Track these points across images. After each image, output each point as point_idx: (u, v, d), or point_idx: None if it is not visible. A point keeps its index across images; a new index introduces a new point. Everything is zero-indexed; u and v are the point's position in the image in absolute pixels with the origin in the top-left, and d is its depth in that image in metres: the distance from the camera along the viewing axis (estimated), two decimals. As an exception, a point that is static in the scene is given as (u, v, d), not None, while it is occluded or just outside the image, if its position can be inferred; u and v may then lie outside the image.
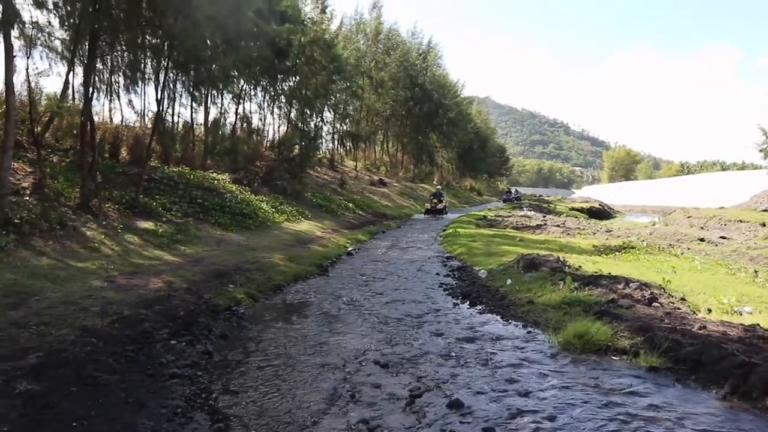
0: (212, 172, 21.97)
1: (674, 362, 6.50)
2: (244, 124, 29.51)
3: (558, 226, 27.88)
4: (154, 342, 6.99)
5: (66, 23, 14.63)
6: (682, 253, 17.96)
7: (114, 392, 5.49)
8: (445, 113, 58.25)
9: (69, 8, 14.34)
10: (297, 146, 29.41)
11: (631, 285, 10.41)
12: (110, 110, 21.74)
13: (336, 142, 45.92)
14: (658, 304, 9.17)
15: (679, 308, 9.13)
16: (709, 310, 9.35)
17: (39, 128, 14.98)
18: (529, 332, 8.19)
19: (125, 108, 21.61)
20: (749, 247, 18.37)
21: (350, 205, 29.32)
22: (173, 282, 9.89)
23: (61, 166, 15.05)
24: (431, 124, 57.32)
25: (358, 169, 44.57)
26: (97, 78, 16.90)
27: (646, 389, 5.90)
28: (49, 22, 14.23)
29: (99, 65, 16.84)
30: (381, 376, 6.29)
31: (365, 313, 9.41)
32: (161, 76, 18.87)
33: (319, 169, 36.08)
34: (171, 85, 21.66)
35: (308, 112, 32.90)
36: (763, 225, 23.15)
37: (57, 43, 14.90)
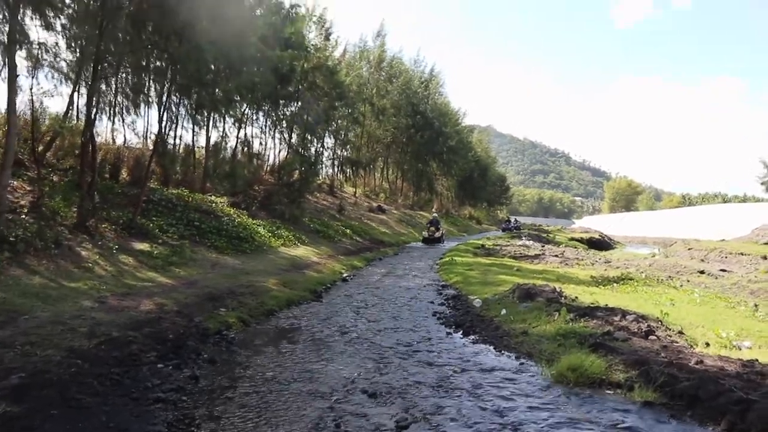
0: (211, 195, 21.95)
1: (670, 397, 6.37)
2: (245, 148, 29.59)
3: (556, 256, 27.76)
4: (141, 365, 6.89)
5: (73, 45, 14.79)
6: (681, 286, 17.84)
7: (96, 415, 5.38)
8: (445, 141, 58.48)
9: (76, 30, 14.50)
10: (297, 171, 29.45)
11: (627, 317, 10.30)
12: (113, 131, 21.82)
13: (336, 168, 46.12)
14: (654, 337, 9.05)
15: (676, 342, 9.00)
16: (707, 344, 9.22)
17: (41, 147, 15.03)
18: (522, 363, 8.07)
19: (127, 129, 21.74)
20: (750, 281, 18.24)
21: (348, 231, 29.24)
22: (165, 304, 9.79)
23: (61, 186, 15.02)
24: (432, 151, 57.51)
25: (357, 195, 44.60)
26: (100, 99, 17.00)
27: (641, 425, 5.77)
28: (57, 44, 14.34)
29: (103, 86, 16.96)
30: (368, 406, 6.17)
31: (357, 340, 9.30)
32: (164, 99, 18.97)
33: (318, 195, 36.08)
34: (173, 108, 21.74)
35: (309, 137, 33.04)
36: (765, 258, 23.01)
37: (63, 64, 14.99)
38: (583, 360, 7.31)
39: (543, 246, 35.68)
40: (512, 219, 70.98)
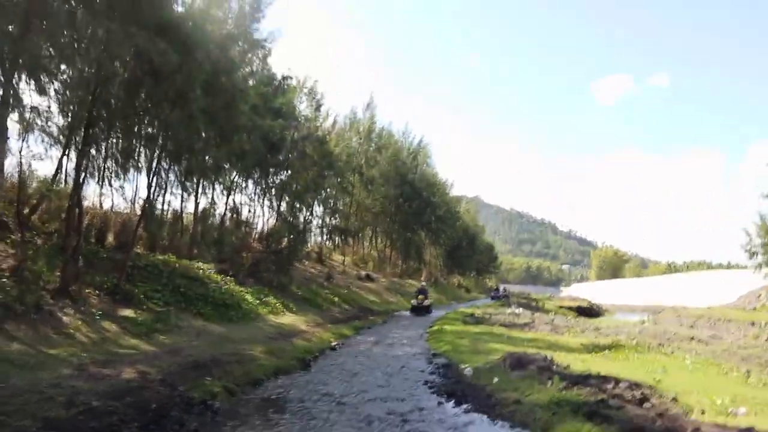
0: (198, 262, 21.75)
1: (668, 467, 6.18)
2: (234, 215, 29.60)
3: (546, 323, 27.52)
4: (121, 436, 6.62)
5: (65, 109, 14.94)
6: (672, 352, 17.64)
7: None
8: (433, 211, 58.96)
9: (69, 95, 14.69)
10: (285, 239, 29.42)
11: (621, 385, 10.12)
12: (101, 195, 21.73)
13: (325, 236, 46.16)
14: (649, 405, 8.87)
15: (671, 409, 8.82)
16: (703, 412, 9.03)
17: (27, 210, 14.91)
18: (517, 433, 7.85)
19: (116, 194, 21.70)
20: (740, 347, 18.11)
21: (336, 299, 28.97)
22: (148, 372, 9.51)
23: (45, 249, 14.82)
24: (420, 221, 57.86)
25: (345, 263, 44.47)
26: (90, 163, 17.02)
27: (640, 496, 5.56)
28: (49, 108, 14.49)
29: (93, 151, 17.01)
30: (359, 477, 5.93)
31: (347, 410, 9.04)
32: (154, 165, 19.04)
33: (306, 263, 35.91)
34: (163, 174, 21.79)
35: (298, 205, 33.18)
36: (753, 324, 22.96)
37: (54, 128, 15.09)
38: (579, 429, 7.14)
39: (533, 314, 35.45)
40: (501, 287, 70.82)
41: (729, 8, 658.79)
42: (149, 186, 18.44)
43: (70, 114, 14.90)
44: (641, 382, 10.67)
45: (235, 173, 27.56)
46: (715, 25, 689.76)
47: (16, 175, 14.73)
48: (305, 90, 34.86)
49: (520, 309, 39.58)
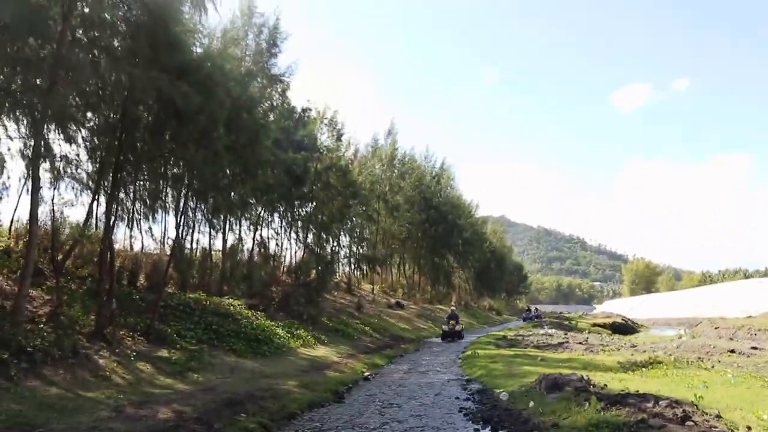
0: (228, 298, 21.93)
1: (715, 487, 6.01)
2: (261, 250, 29.82)
3: (580, 343, 27.12)
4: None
5: (93, 155, 15.37)
6: (712, 366, 17.22)
7: None
8: (460, 234, 58.73)
9: (97, 142, 15.12)
10: (313, 271, 29.51)
11: (661, 403, 9.90)
12: (131, 237, 22.13)
13: (352, 266, 46.08)
14: (692, 423, 8.65)
15: (715, 426, 8.59)
16: (749, 428, 8.78)
17: (60, 256, 15.25)
18: (556, 457, 7.71)
19: (145, 235, 22.09)
20: (784, 359, 17.61)
21: (367, 328, 28.86)
22: (183, 411, 9.57)
23: (79, 294, 15.12)
24: (447, 245, 57.63)
25: (375, 292, 44.36)
26: (119, 206, 17.41)
27: None
28: (78, 155, 14.93)
29: (121, 194, 17.41)
30: None
31: (382, 440, 8.97)
32: (181, 204, 19.38)
33: (335, 293, 35.93)
34: (190, 213, 22.16)
35: (325, 236, 33.33)
36: (795, 335, 22.34)
37: (83, 174, 15.53)
38: (620, 451, 6.97)
39: (566, 333, 34.97)
40: (532, 308, 70.02)
41: (746, 8, 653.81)
42: (177, 226, 18.76)
43: (98, 160, 15.33)
44: (682, 399, 10.42)
45: (260, 208, 27.85)
46: (734, 25, 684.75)
47: (49, 222, 15.14)
48: (325, 121, 35.17)
49: (553, 329, 39.09)
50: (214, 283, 23.56)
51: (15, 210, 16.14)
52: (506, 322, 60.05)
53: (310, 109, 30.69)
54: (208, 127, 15.52)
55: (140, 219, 20.59)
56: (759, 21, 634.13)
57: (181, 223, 19.45)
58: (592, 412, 9.41)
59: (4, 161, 13.15)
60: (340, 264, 42.62)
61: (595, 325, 48.94)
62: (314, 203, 31.34)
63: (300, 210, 31.45)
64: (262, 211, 28.82)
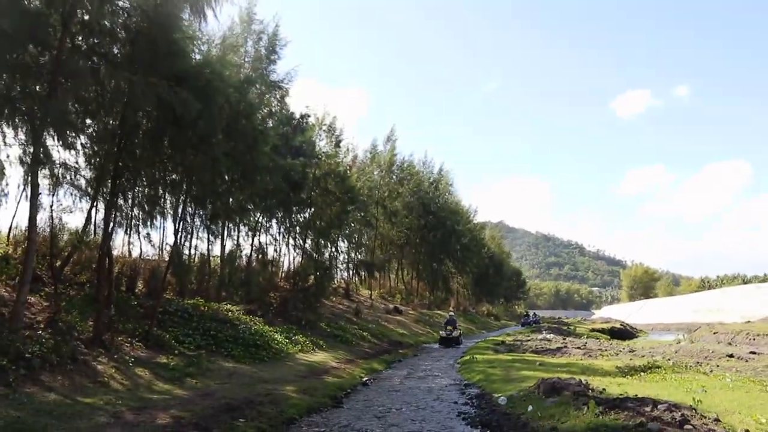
0: (227, 304, 21.90)
1: (713, 490, 6.03)
2: (259, 256, 29.78)
3: (579, 348, 27.14)
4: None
5: (91, 162, 15.38)
6: (711, 371, 17.26)
7: None
8: (458, 239, 58.75)
9: (96, 148, 15.15)
10: (312, 276, 29.48)
11: (659, 407, 9.91)
12: (129, 244, 22.06)
13: (351, 271, 46.07)
14: (690, 427, 8.67)
15: (713, 430, 8.62)
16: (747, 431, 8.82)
17: (59, 262, 15.25)
18: (555, 461, 7.72)
19: (143, 241, 22.07)
20: (781, 363, 17.64)
21: (365, 334, 28.85)
22: (182, 417, 9.57)
23: (77, 300, 15.11)
24: (445, 250, 57.63)
25: (373, 297, 44.33)
26: (117, 213, 17.41)
27: None
28: (77, 162, 14.95)
29: (120, 201, 17.41)
30: None
31: (381, 445, 8.97)
32: (179, 210, 19.39)
33: (333, 299, 35.90)
34: (188, 219, 22.15)
35: (323, 242, 33.32)
36: (794, 339, 22.39)
37: (82, 180, 15.55)
38: (618, 454, 6.99)
39: (564, 338, 34.99)
40: (531, 313, 69.99)
41: (743, 14, 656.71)
42: (176, 232, 18.80)
43: (96, 166, 15.34)
44: (681, 403, 10.44)
45: (259, 214, 27.83)
46: (731, 32, 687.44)
47: (48, 229, 15.14)
48: (324, 127, 35.17)
49: (552, 334, 39.10)
50: (213, 289, 23.54)
51: (14, 217, 16.13)
52: (505, 328, 60.04)
53: (309, 116, 30.68)
54: (206, 133, 15.54)
55: (139, 225, 20.57)
56: (757, 27, 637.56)
57: (180, 229, 19.47)
58: (590, 416, 9.43)
59: (3, 168, 13.17)
60: (338, 270, 42.58)
61: (593, 330, 48.98)
62: (312, 209, 31.32)
63: (298, 216, 31.39)
64: (261, 217, 28.81)
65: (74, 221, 19.38)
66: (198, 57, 16.80)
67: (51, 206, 14.97)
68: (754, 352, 21.18)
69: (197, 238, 24.43)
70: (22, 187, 14.55)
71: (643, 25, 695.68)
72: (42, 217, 14.95)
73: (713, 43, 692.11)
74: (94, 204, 16.44)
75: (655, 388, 13.32)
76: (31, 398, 9.32)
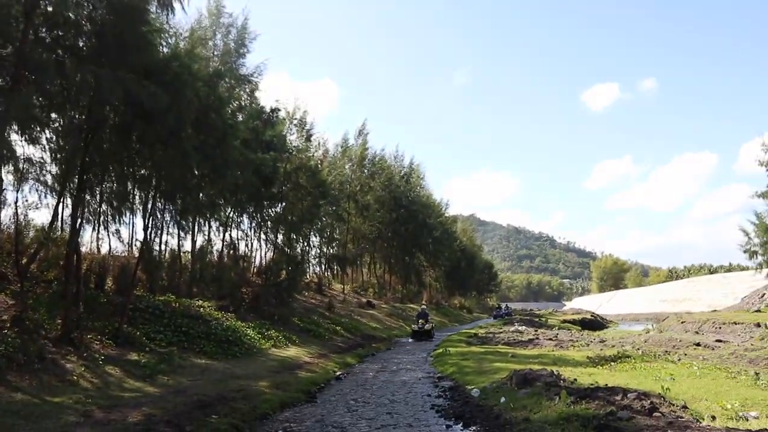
0: (198, 300, 21.69)
1: (681, 475, 6.15)
2: (231, 251, 29.58)
3: (550, 339, 27.50)
4: (130, 481, 6.56)
5: (57, 157, 15.05)
6: (679, 360, 17.64)
7: None
8: (430, 233, 59.01)
9: (61, 143, 14.82)
10: (284, 271, 29.34)
11: (629, 395, 10.10)
12: (98, 240, 21.72)
13: (323, 266, 46.02)
14: (659, 414, 8.83)
15: (681, 417, 8.79)
16: (713, 417, 9.02)
17: (24, 260, 14.91)
18: (528, 451, 7.80)
19: (112, 237, 21.77)
20: (747, 349, 18.09)
21: (338, 328, 28.81)
22: (153, 414, 9.45)
23: (44, 298, 14.80)
24: (417, 244, 57.85)
25: (345, 291, 44.31)
26: (86, 209, 17.10)
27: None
28: (42, 157, 14.62)
29: (88, 196, 17.09)
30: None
31: (355, 439, 8.97)
32: (149, 206, 19.14)
33: (306, 294, 35.77)
34: (158, 215, 21.89)
35: (294, 236, 33.20)
36: (758, 326, 22.93)
37: (48, 176, 15.22)
38: (589, 443, 7.09)
39: (536, 330, 35.42)
40: (503, 306, 70.72)
41: (711, 7, 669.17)
42: (146, 228, 18.52)
43: (63, 162, 15.00)
44: (650, 391, 10.66)
45: (230, 209, 27.60)
46: (699, 24, 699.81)
47: (13, 225, 14.81)
48: (295, 121, 35.00)
49: (523, 326, 39.54)
50: (184, 285, 23.29)
51: (-23, 214, 15.75)
52: (477, 320, 60.53)
53: (279, 110, 30.45)
54: (175, 128, 15.29)
55: (107, 221, 20.30)
56: (722, 19, 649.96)
57: (150, 225, 19.20)
58: (562, 406, 9.55)
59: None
60: (310, 264, 42.59)
61: (564, 321, 49.67)
62: (284, 203, 31.16)
63: (269, 210, 31.20)
64: (232, 212, 28.57)
65: (41, 217, 19.04)
66: (166, 50, 16.55)
67: (16, 202, 14.67)
68: (720, 341, 21.67)
69: (168, 234, 24.19)
70: (-16, 184, 14.21)
71: (610, 17, 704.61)
72: (6, 214, 14.63)
73: (679, 36, 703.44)
74: (61, 200, 16.12)
75: (625, 377, 13.56)
76: (-3, 399, 9.12)
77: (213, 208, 24.31)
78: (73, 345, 12.80)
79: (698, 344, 20.95)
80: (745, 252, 35.71)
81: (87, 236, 20.90)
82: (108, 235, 21.72)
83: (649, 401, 9.66)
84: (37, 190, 15.28)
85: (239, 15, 27.32)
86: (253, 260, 32.96)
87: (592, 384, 11.67)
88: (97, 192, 18.02)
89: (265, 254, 33.72)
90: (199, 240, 26.70)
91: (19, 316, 12.45)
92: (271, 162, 26.47)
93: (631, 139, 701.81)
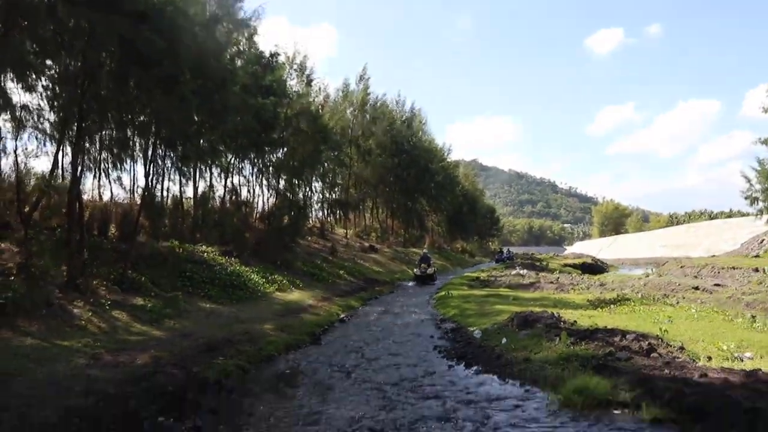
0: (202, 245, 21.83)
1: (678, 413, 6.31)
2: (233, 197, 29.57)
3: (551, 282, 27.75)
4: (141, 420, 6.74)
5: (55, 104, 14.88)
6: (677, 303, 17.83)
7: (96, 475, 5.25)
8: (432, 177, 58.89)
9: (58, 90, 14.62)
10: (286, 216, 29.43)
11: (628, 337, 10.27)
12: (99, 187, 21.73)
13: (326, 211, 46.14)
14: (656, 355, 9.00)
15: (678, 357, 8.96)
16: (709, 358, 9.19)
17: (27, 208, 14.95)
18: (527, 390, 7.99)
19: (114, 185, 21.79)
20: (744, 293, 18.24)
21: (341, 272, 29.11)
22: (161, 357, 9.64)
23: (48, 245, 14.87)
24: (419, 188, 57.82)
25: (348, 236, 44.54)
26: (85, 156, 17.00)
27: (651, 442, 5.71)
28: (39, 105, 14.47)
29: (87, 144, 16.97)
30: (376, 444, 6.06)
31: (359, 380, 9.18)
32: (149, 153, 19.03)
33: (309, 238, 35.98)
34: (159, 161, 21.78)
35: (297, 182, 33.15)
36: (756, 270, 23.09)
37: (46, 124, 15.09)
38: (588, 382, 7.25)
39: (537, 274, 35.66)
40: (505, 250, 71.04)
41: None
42: (147, 174, 18.48)
43: (60, 109, 14.84)
44: (648, 333, 10.83)
45: (231, 155, 27.47)
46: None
47: (14, 174, 14.78)
48: (295, 66, 34.52)
49: (525, 270, 39.77)
50: (187, 231, 23.39)
51: (-24, 163, 15.69)
52: (479, 264, 60.97)
53: (279, 54, 29.85)
54: (173, 74, 15.05)
55: (108, 168, 20.26)
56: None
57: (151, 172, 19.14)
58: (562, 347, 9.72)
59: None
60: (313, 209, 42.62)
61: (565, 265, 49.93)
62: (285, 149, 30.98)
63: (271, 156, 31.03)
64: (233, 158, 28.45)
65: (41, 166, 18.98)
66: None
67: (15, 151, 14.62)
68: (718, 285, 21.85)
69: (169, 180, 24.10)
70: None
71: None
72: (7, 163, 14.58)
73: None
74: (61, 148, 16.02)
75: (624, 319, 13.75)
76: (8, 343, 9.30)
77: (214, 154, 24.20)
78: (79, 291, 12.96)
79: (697, 288, 21.12)
80: (746, 198, 35.71)
81: (88, 184, 20.89)
82: (109, 182, 21.74)
83: (647, 342, 9.83)
84: (36, 138, 15.23)
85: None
86: (255, 206, 32.96)
87: (591, 326, 11.84)
88: (97, 139, 17.90)
89: (268, 200, 33.71)
90: (201, 186, 26.68)
91: (24, 263, 12.56)
92: (272, 107, 26.20)
93: (635, 85, 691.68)
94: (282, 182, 32.23)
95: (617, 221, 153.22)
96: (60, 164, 17.31)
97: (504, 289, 25.39)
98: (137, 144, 19.95)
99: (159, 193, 23.08)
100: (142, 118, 17.70)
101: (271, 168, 31.64)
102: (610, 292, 21.26)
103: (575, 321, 12.86)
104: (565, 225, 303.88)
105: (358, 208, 52.01)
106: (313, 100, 35.35)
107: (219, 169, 27.96)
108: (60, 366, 8.53)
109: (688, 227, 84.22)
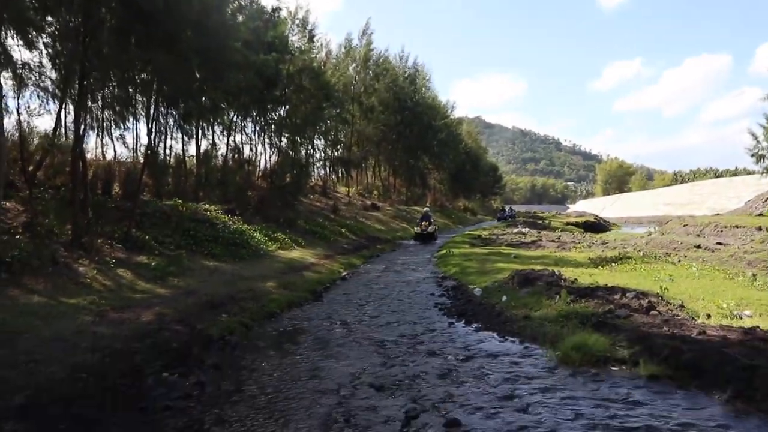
0: (205, 204, 21.87)
1: (675, 369, 6.40)
2: (236, 155, 29.56)
3: (553, 241, 27.85)
4: (146, 375, 6.86)
5: (56, 62, 14.73)
6: (679, 261, 17.90)
7: (104, 428, 5.37)
8: (435, 135, 58.58)
9: (59, 47, 14.45)
10: (288, 174, 29.41)
11: (628, 295, 10.35)
12: (102, 146, 21.72)
13: (328, 169, 46.07)
14: (656, 312, 9.08)
15: (677, 315, 9.04)
16: (708, 316, 9.27)
17: (31, 167, 14.96)
18: (527, 347, 8.10)
19: (117, 143, 21.79)
20: (746, 252, 18.29)
21: (343, 230, 29.23)
22: (165, 314, 9.76)
23: (53, 204, 14.94)
24: (422, 146, 57.59)
25: (350, 194, 44.59)
26: (88, 115, 16.94)
27: (648, 398, 5.81)
28: (40, 62, 14.33)
29: (90, 102, 16.88)
30: (376, 399, 6.17)
31: (360, 336, 9.30)
32: (151, 111, 18.94)
33: (311, 197, 36.04)
34: (161, 119, 21.73)
35: (299, 140, 33.01)
36: (759, 229, 23.08)
37: (48, 82, 14.96)
38: (587, 339, 7.34)
39: (539, 232, 35.78)
40: (507, 208, 71.16)
41: None
42: (149, 132, 18.42)
43: (62, 67, 14.69)
44: (648, 291, 10.91)
45: (233, 112, 27.34)
46: None
47: (17, 133, 14.73)
48: (297, 21, 34.03)
49: (527, 228, 39.92)
50: (190, 189, 23.43)
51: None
52: (481, 222, 61.15)
53: (281, 9, 29.45)
54: (175, 30, 14.85)
55: (111, 127, 20.21)
56: None
57: (153, 130, 19.10)
58: (562, 305, 9.81)
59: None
60: (315, 167, 42.58)
61: (568, 224, 50.05)
62: (287, 106, 30.77)
63: (273, 113, 30.85)
64: (235, 116, 28.32)
65: (44, 124, 18.92)
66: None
67: (17, 109, 14.53)
68: (720, 243, 21.90)
69: (172, 139, 24.14)
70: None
71: None
72: (9, 121, 14.53)
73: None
74: (63, 106, 15.94)
75: (625, 277, 13.83)
76: (14, 301, 9.41)
77: (216, 111, 24.08)
78: (84, 249, 13.04)
79: (699, 246, 21.18)
80: (752, 156, 35.44)
81: (92, 143, 20.93)
82: (112, 141, 21.71)
83: (647, 300, 9.91)
84: (38, 96, 15.11)
85: None
86: (257, 164, 32.95)
87: (592, 284, 11.92)
88: (99, 97, 17.82)
89: (270, 158, 33.66)
90: (204, 144, 26.65)
91: (29, 221, 12.63)
92: (273, 64, 25.93)
93: (643, 40, 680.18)
94: (284, 140, 32.12)
95: (621, 179, 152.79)
96: (63, 123, 17.28)
97: (505, 248, 25.50)
98: (139, 102, 19.85)
99: (162, 152, 23.11)
100: (144, 76, 17.59)
101: (273, 126, 31.49)
102: (612, 251, 21.34)
103: (576, 279, 12.95)
104: (569, 183, 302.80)
105: (360, 166, 51.91)
106: (316, 57, 34.95)
107: (221, 127, 27.90)
108: (66, 323, 8.65)
109: (693, 185, 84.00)
